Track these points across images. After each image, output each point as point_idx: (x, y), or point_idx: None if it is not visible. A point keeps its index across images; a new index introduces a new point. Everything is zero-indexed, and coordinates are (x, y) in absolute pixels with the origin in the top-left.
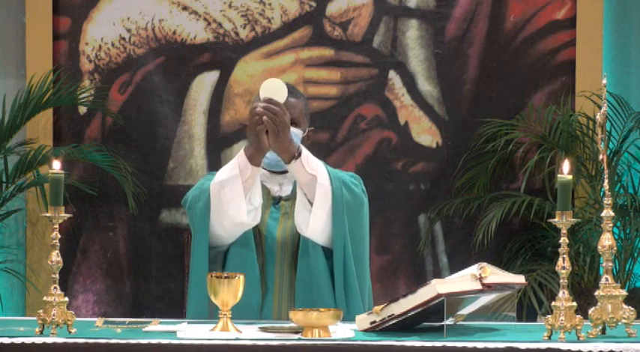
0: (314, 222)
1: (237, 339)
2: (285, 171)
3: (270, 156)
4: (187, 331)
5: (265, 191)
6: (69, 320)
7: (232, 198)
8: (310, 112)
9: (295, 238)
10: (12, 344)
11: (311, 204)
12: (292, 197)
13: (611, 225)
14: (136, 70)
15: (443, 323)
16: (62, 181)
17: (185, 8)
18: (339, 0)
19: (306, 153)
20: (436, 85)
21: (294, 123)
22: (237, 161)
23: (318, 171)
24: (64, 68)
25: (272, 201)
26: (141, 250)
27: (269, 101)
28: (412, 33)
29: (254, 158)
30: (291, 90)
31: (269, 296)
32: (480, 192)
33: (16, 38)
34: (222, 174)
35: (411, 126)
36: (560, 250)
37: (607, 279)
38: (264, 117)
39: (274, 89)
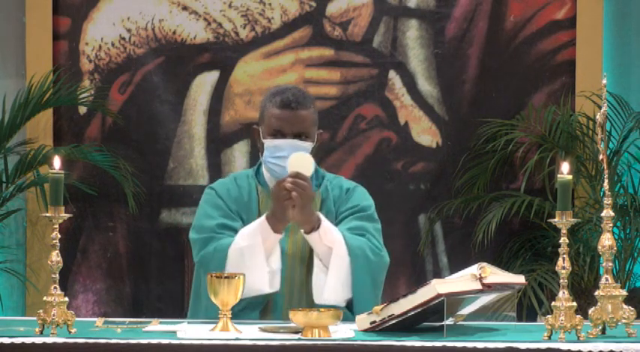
0: (328, 293)
1: (237, 339)
2: None
3: (280, 170)
4: (187, 331)
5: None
6: (69, 320)
7: (253, 265)
8: None
9: (306, 248)
10: (12, 344)
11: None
12: None
13: (611, 225)
14: (136, 70)
15: (443, 323)
16: (62, 181)
17: (185, 8)
18: (339, 0)
19: (325, 225)
20: (436, 85)
21: (305, 135)
22: (259, 228)
23: (334, 242)
24: (64, 68)
25: None
26: (141, 250)
27: (297, 176)
28: (412, 33)
29: (277, 227)
30: (301, 99)
31: (279, 300)
32: (480, 192)
33: (16, 38)
34: (242, 239)
35: (411, 126)
36: (560, 250)
37: (607, 279)
38: (294, 193)
39: (301, 163)
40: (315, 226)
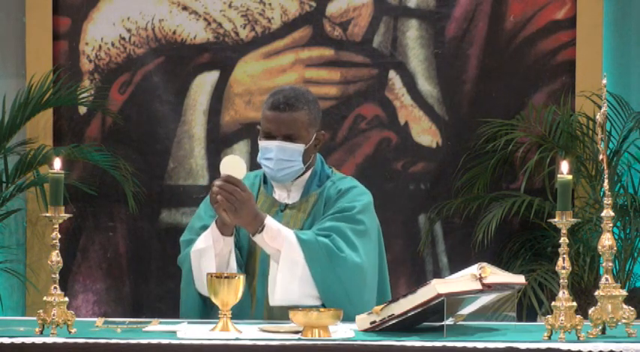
0: (279, 294)
1: (237, 339)
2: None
3: (270, 171)
4: (187, 331)
5: (270, 200)
6: (69, 320)
7: (206, 268)
8: None
9: None
10: (12, 344)
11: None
12: (298, 205)
13: (611, 225)
14: (136, 70)
15: (443, 323)
16: (62, 181)
17: (185, 8)
18: (339, 0)
19: (270, 226)
20: (436, 85)
21: (295, 137)
22: (210, 232)
23: (283, 243)
24: (64, 68)
25: (278, 209)
26: (141, 250)
27: (227, 179)
28: (412, 33)
29: (223, 230)
30: (292, 101)
31: (259, 305)
32: (480, 192)
33: (16, 38)
34: (200, 242)
35: (411, 126)
36: (560, 250)
37: (607, 279)
38: (219, 197)
39: (233, 166)
40: (258, 228)
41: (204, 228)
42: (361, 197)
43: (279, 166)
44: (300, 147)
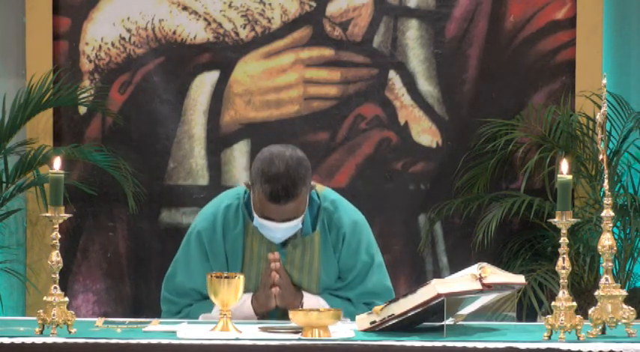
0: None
1: (237, 339)
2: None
3: (271, 239)
4: (187, 331)
5: (265, 241)
6: (69, 320)
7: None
8: (310, 112)
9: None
10: (12, 344)
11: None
12: (301, 243)
13: (611, 225)
14: (136, 70)
15: (443, 323)
16: (62, 181)
17: (185, 8)
18: (339, 0)
19: (308, 303)
20: (436, 85)
21: (298, 217)
22: (240, 309)
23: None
24: (64, 68)
25: (276, 248)
26: (141, 250)
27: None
28: (412, 33)
29: (259, 311)
30: (291, 190)
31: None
32: (480, 192)
33: (16, 38)
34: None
35: (411, 126)
36: (560, 250)
37: (607, 279)
38: (276, 279)
39: None
40: (298, 305)
41: (196, 292)
42: (367, 230)
43: (285, 237)
44: (299, 221)
